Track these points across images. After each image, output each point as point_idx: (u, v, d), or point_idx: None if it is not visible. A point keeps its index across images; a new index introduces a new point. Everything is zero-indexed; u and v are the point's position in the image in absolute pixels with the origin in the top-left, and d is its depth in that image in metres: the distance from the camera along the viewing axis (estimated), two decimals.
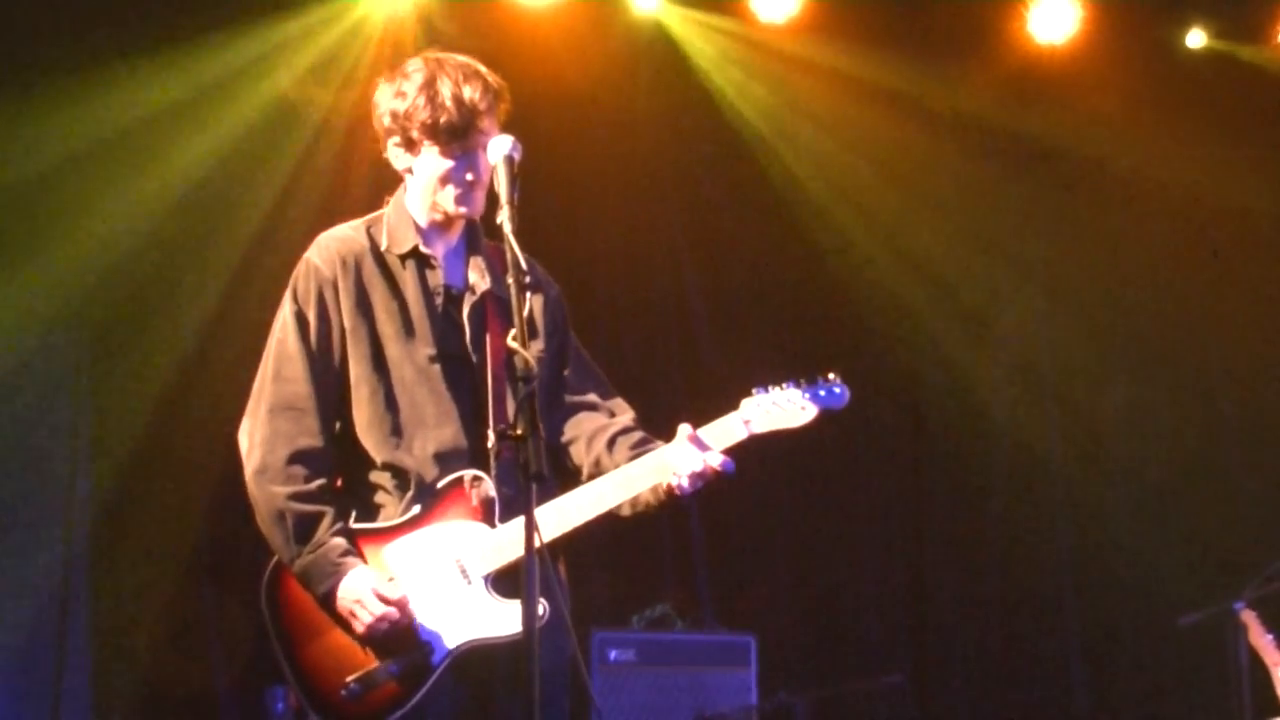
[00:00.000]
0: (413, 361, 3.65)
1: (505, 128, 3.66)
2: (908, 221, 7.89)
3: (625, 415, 3.88)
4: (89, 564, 6.69)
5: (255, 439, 3.65)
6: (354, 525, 3.65)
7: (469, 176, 3.67)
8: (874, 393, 7.92)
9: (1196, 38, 7.50)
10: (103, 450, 6.77)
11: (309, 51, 6.83)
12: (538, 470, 3.16)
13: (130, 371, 6.78)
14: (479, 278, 3.76)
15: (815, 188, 7.74)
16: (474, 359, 3.69)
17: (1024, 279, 8.11)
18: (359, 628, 3.54)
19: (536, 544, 3.27)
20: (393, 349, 3.66)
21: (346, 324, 3.67)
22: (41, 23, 6.43)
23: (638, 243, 7.64)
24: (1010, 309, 8.07)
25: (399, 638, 3.54)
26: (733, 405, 3.80)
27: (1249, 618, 5.95)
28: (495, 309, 3.73)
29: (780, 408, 3.75)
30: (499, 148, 3.47)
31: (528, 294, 3.32)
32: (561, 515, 3.62)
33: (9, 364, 6.68)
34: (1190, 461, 7.99)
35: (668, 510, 3.75)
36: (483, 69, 3.71)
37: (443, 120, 3.61)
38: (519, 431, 3.18)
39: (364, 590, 3.53)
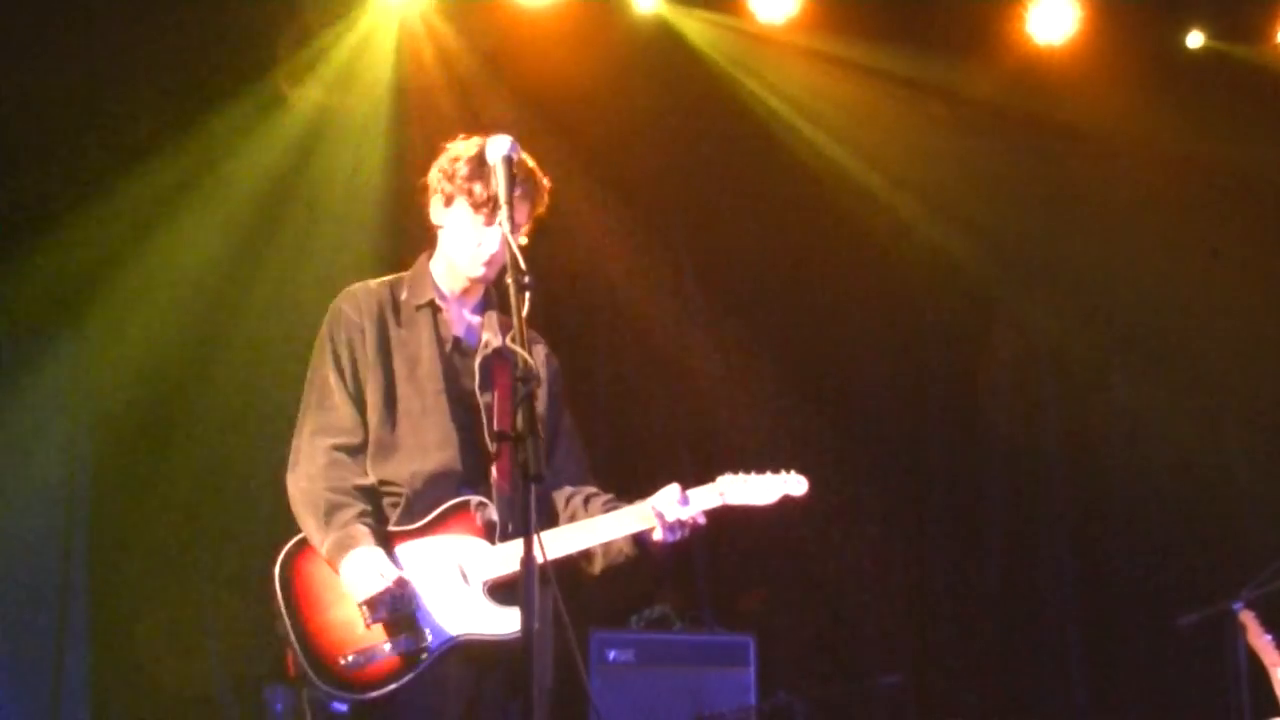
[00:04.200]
0: (421, 396, 4.04)
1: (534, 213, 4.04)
2: (907, 221, 7.88)
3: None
4: (89, 564, 6.70)
5: (300, 455, 4.05)
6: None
7: (487, 247, 4.04)
8: (873, 392, 7.93)
9: (1196, 38, 7.49)
10: (103, 450, 6.78)
11: (313, 54, 6.85)
12: (537, 471, 3.26)
13: (129, 371, 6.79)
14: (491, 335, 4.11)
15: (815, 188, 7.74)
16: (481, 403, 4.05)
17: (1024, 278, 8.11)
18: (357, 597, 3.85)
19: (537, 548, 3.49)
20: (404, 386, 4.06)
21: (370, 366, 4.07)
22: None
23: (638, 243, 7.64)
24: (1010, 308, 8.07)
25: (402, 621, 3.86)
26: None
27: (1248, 618, 5.95)
28: (502, 368, 4.07)
29: (751, 488, 4.14)
30: (498, 148, 3.69)
31: (526, 294, 3.48)
32: (552, 543, 3.84)
33: (8, 364, 6.69)
34: (1190, 461, 8.00)
35: (635, 566, 4.15)
36: (531, 163, 4.03)
37: (477, 189, 3.99)
38: (518, 431, 3.27)
39: (369, 564, 3.85)
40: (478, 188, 3.99)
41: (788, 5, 7.06)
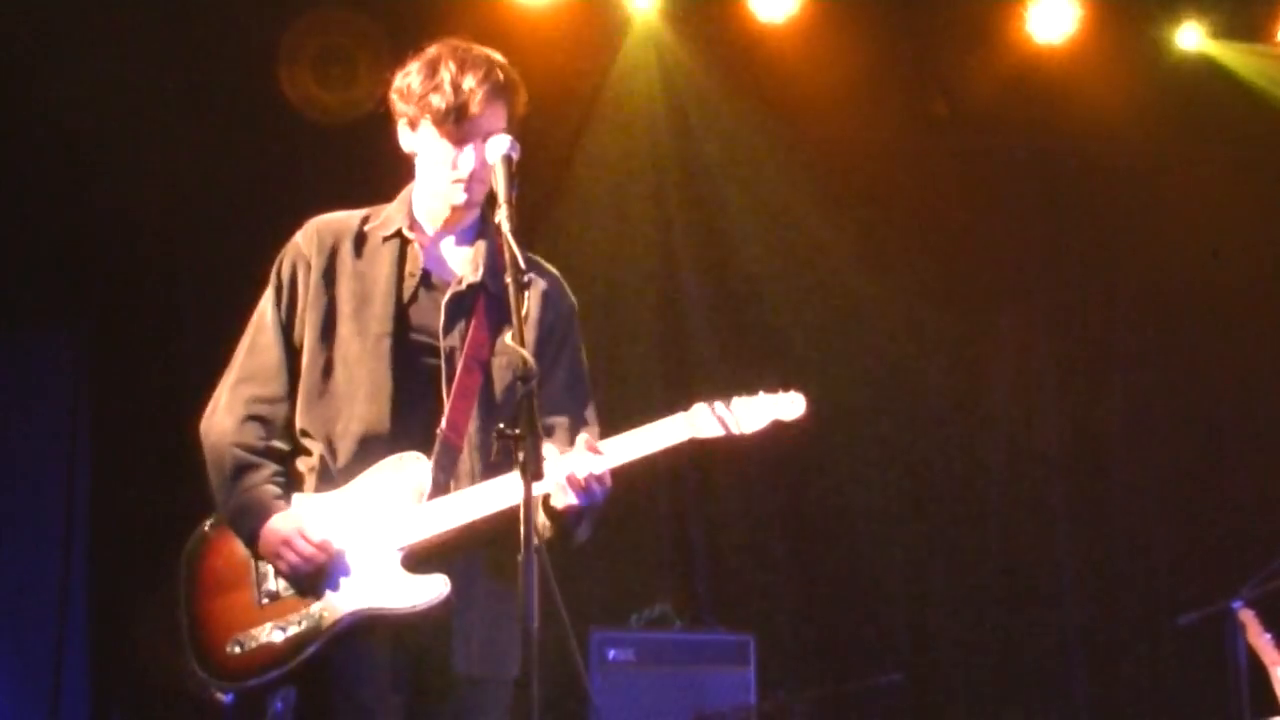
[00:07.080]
0: (361, 337, 3.61)
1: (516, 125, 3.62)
2: (906, 220, 7.89)
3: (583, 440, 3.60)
4: (89, 564, 6.70)
5: (219, 402, 3.70)
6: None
7: (461, 165, 3.62)
8: (873, 392, 7.93)
9: (1195, 37, 7.49)
10: (103, 450, 6.78)
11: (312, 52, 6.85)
12: (536, 470, 3.15)
13: (130, 371, 6.79)
14: (470, 270, 3.67)
15: (813, 187, 7.74)
16: (443, 348, 3.61)
17: (1023, 278, 8.11)
18: (283, 566, 3.51)
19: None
20: (345, 325, 3.63)
21: (310, 300, 3.66)
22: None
23: (635, 243, 7.64)
24: (1010, 308, 8.07)
25: (301, 598, 3.52)
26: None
27: (1247, 617, 5.95)
28: (486, 303, 3.64)
29: (731, 413, 3.56)
30: (497, 147, 3.44)
31: (525, 294, 3.28)
32: (461, 507, 3.52)
33: (8, 363, 6.70)
34: (1189, 461, 7.99)
35: (561, 532, 3.53)
36: (497, 61, 3.65)
37: (434, 100, 3.58)
38: (518, 431, 3.15)
39: (291, 529, 3.51)
40: (435, 99, 3.57)
41: (788, 4, 7.03)
